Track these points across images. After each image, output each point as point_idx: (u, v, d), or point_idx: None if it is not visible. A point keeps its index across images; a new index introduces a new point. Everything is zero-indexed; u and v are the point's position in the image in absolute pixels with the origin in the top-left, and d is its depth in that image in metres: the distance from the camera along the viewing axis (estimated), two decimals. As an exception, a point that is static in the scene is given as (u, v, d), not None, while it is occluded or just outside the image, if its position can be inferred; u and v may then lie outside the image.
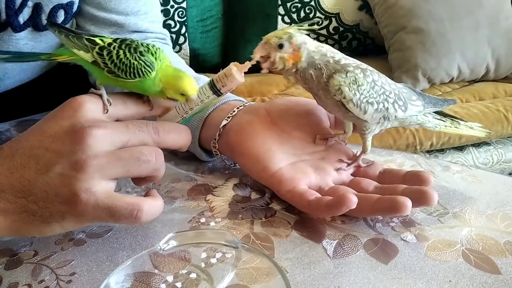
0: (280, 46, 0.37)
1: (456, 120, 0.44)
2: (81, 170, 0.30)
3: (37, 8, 0.54)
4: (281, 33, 0.37)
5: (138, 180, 0.37)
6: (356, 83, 0.38)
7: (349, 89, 0.38)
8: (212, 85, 0.37)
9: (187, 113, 0.38)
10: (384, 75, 0.40)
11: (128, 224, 0.37)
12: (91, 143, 0.31)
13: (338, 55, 0.39)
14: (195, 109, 0.39)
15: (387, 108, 0.39)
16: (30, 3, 0.53)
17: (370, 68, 0.40)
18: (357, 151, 0.43)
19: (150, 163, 0.33)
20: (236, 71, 0.37)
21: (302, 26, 0.38)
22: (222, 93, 0.38)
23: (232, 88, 0.38)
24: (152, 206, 0.33)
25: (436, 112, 0.44)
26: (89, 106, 0.33)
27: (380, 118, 0.39)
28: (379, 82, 0.39)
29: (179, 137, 0.36)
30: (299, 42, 0.38)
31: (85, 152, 0.31)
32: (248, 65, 0.37)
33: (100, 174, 0.31)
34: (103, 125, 0.32)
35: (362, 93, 0.38)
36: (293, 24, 0.39)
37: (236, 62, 0.37)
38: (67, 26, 0.59)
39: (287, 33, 0.37)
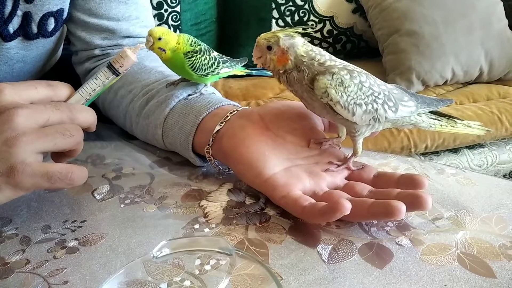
0: (269, 48, 0.39)
1: (453, 119, 0.44)
2: (13, 146, 0.34)
3: (27, 17, 0.53)
4: (270, 35, 0.39)
5: (58, 157, 0.40)
6: (343, 84, 0.38)
7: (336, 91, 0.37)
8: (110, 67, 0.41)
9: (91, 95, 0.41)
10: (374, 76, 0.40)
11: (63, 187, 0.40)
12: (19, 121, 0.34)
13: (324, 57, 0.39)
14: (97, 91, 0.42)
15: (377, 109, 0.39)
16: (19, 12, 0.53)
17: (358, 69, 0.40)
18: (349, 154, 0.43)
19: (73, 137, 0.37)
20: (130, 53, 0.41)
21: (295, 29, 0.39)
22: (120, 73, 0.42)
23: (128, 68, 0.42)
24: (81, 170, 0.37)
25: (432, 112, 0.43)
26: (8, 91, 0.36)
27: (370, 120, 0.39)
28: (367, 83, 0.39)
29: (89, 116, 0.39)
30: (286, 46, 0.38)
31: (14, 130, 0.34)
32: (138, 47, 0.43)
33: (31, 147, 0.34)
34: (26, 106, 0.36)
35: (349, 95, 0.38)
36: (286, 28, 0.40)
37: (128, 46, 0.43)
38: (58, 33, 0.58)
39: (275, 36, 0.39)
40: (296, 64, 0.39)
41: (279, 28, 1.57)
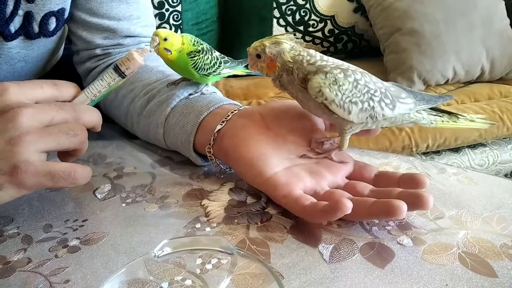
0: (258, 56, 0.40)
1: (454, 114, 0.43)
2: (16, 145, 0.34)
3: (28, 16, 0.53)
4: (258, 44, 0.40)
5: (64, 156, 0.40)
6: (337, 83, 0.37)
7: (330, 90, 0.37)
8: (117, 69, 0.41)
9: (96, 96, 0.42)
10: (370, 74, 0.40)
11: (66, 187, 0.40)
12: (22, 120, 0.35)
13: (315, 57, 0.39)
14: (103, 92, 0.42)
15: (373, 107, 0.39)
16: (20, 12, 0.53)
17: (353, 67, 0.39)
18: (344, 153, 0.42)
19: (77, 137, 0.37)
20: (137, 55, 0.41)
21: (283, 36, 0.40)
22: (126, 75, 0.42)
23: (134, 71, 0.42)
24: (84, 169, 0.38)
25: (432, 109, 0.43)
26: (13, 90, 0.36)
27: (366, 118, 0.39)
28: (362, 81, 0.38)
29: (93, 116, 0.40)
30: (273, 53, 0.39)
31: (18, 129, 0.34)
32: (146, 50, 0.43)
33: (34, 147, 0.35)
34: (30, 105, 0.36)
35: (344, 93, 0.38)
36: (275, 35, 0.40)
37: (135, 49, 0.43)
38: (59, 32, 0.58)
39: (262, 45, 0.39)
40: (284, 69, 0.39)
41: (280, 28, 1.57)
